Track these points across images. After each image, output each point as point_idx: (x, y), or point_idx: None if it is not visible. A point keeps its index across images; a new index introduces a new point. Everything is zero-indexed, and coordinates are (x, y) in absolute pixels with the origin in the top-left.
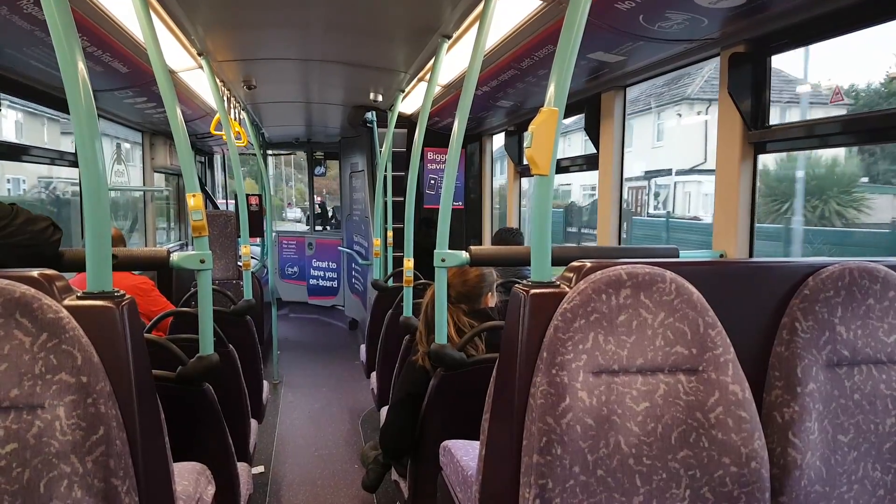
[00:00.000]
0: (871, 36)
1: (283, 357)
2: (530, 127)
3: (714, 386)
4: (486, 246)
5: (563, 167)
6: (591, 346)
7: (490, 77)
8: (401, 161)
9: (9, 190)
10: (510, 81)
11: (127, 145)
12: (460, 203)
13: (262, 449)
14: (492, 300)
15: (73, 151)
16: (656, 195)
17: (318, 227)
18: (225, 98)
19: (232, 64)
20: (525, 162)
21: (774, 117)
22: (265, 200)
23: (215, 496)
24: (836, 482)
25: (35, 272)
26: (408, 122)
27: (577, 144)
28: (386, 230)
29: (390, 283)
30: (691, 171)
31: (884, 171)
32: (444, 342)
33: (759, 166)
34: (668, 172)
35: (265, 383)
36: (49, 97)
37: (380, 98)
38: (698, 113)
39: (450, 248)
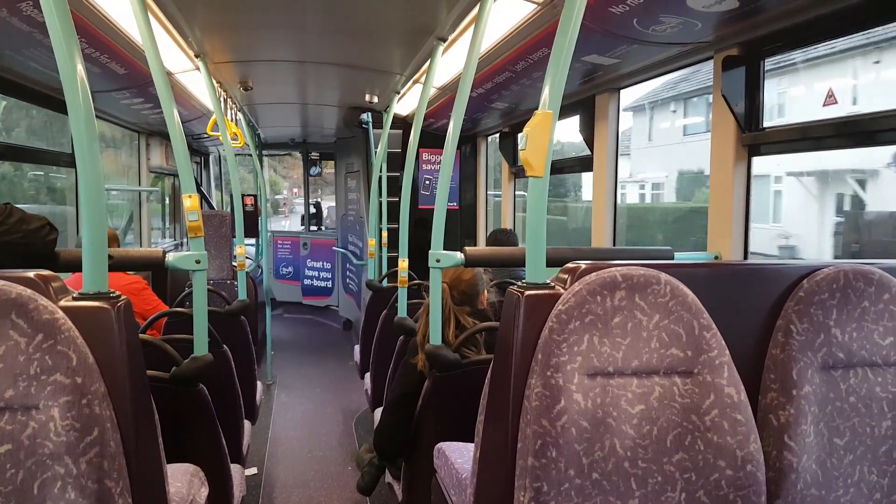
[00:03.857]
0: None
1: (276, 357)
2: (525, 129)
3: (709, 388)
4: (482, 247)
5: (556, 168)
6: (585, 348)
7: (485, 79)
8: (396, 162)
9: None
10: (505, 84)
11: None
12: (455, 204)
13: (255, 450)
14: (486, 299)
15: (71, 152)
16: None
17: (313, 228)
18: (221, 99)
19: (229, 65)
20: (520, 163)
21: None
22: (260, 200)
23: (208, 498)
24: (832, 485)
25: (31, 273)
26: (403, 123)
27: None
28: (381, 230)
29: (385, 283)
30: None
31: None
32: (438, 343)
33: None
34: None
35: (259, 384)
36: (47, 98)
37: (375, 99)
38: None
39: (445, 249)
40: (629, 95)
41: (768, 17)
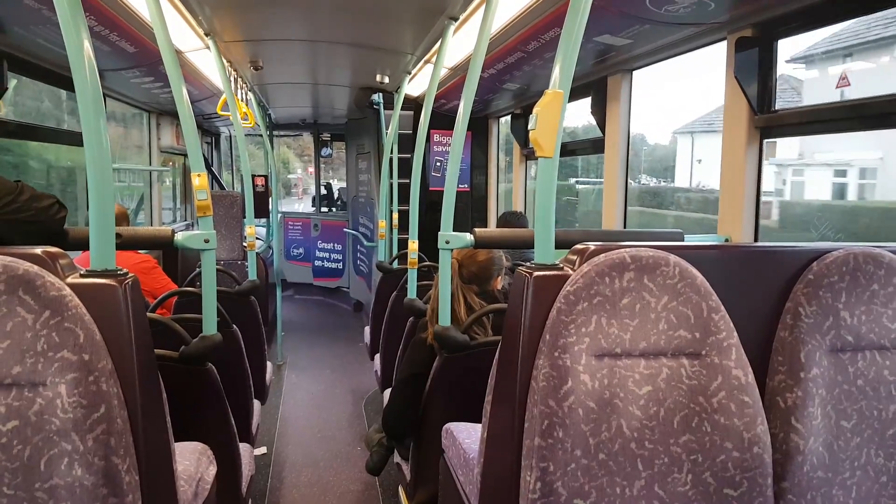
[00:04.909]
0: None
1: (287, 338)
2: (535, 109)
3: (717, 370)
4: (492, 228)
5: (568, 150)
6: (593, 330)
7: (496, 59)
8: (407, 143)
9: None
10: (517, 64)
11: None
12: (466, 186)
13: (265, 430)
14: (500, 283)
15: (79, 131)
16: None
17: (324, 209)
18: (232, 79)
19: (239, 44)
20: (531, 145)
21: None
22: (271, 181)
23: (217, 476)
24: (838, 468)
25: (38, 249)
26: (414, 104)
27: None
28: (391, 212)
29: (395, 265)
30: None
31: None
32: (447, 324)
33: None
34: None
35: (269, 364)
36: (56, 76)
37: (386, 80)
38: None
39: (456, 231)
40: (798, 43)
41: None
